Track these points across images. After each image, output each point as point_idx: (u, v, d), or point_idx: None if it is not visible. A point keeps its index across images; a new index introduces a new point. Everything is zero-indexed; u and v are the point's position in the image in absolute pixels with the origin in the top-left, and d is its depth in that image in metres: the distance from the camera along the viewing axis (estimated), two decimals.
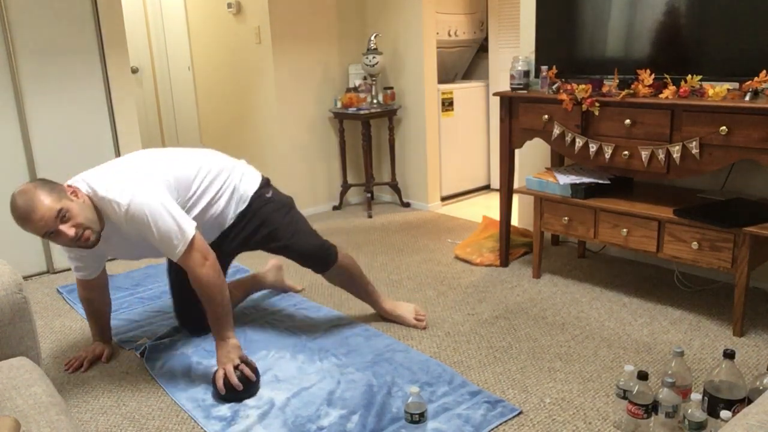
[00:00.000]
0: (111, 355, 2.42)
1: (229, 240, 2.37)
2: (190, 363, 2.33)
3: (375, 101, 4.26)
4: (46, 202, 1.90)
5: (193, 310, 2.43)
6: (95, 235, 2.01)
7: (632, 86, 2.57)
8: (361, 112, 4.13)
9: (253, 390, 2.08)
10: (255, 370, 2.12)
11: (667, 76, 2.50)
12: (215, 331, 2.14)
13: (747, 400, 1.72)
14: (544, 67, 2.89)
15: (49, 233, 1.93)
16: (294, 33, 4.14)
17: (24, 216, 1.89)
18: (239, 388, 2.03)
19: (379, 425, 1.89)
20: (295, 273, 3.19)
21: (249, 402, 2.05)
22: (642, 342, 2.37)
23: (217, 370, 2.09)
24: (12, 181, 3.20)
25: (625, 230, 2.60)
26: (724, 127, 2.28)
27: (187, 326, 2.55)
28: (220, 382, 2.04)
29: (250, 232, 2.36)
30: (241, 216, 2.35)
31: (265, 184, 2.44)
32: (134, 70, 5.36)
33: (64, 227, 1.92)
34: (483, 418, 1.92)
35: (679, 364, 1.84)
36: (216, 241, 2.35)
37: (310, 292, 2.98)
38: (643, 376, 1.74)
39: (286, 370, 2.24)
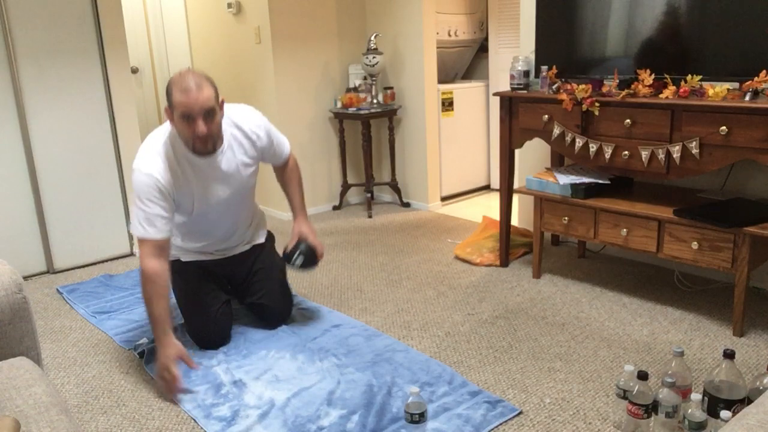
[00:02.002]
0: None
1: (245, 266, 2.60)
2: None
3: (375, 101, 4.26)
4: (209, 92, 2.10)
5: (223, 328, 2.45)
6: (214, 143, 2.21)
7: (632, 86, 2.57)
8: (361, 112, 4.13)
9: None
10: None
11: (667, 76, 2.50)
12: (303, 206, 2.62)
13: (747, 400, 1.72)
14: (544, 67, 2.89)
15: (191, 117, 2.08)
16: (294, 33, 4.14)
17: (188, 88, 2.06)
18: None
19: (379, 425, 1.89)
20: (295, 274, 3.19)
21: (249, 402, 2.05)
22: (642, 342, 2.37)
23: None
24: (12, 181, 3.20)
25: (625, 230, 2.60)
26: (724, 127, 2.28)
27: (209, 345, 2.43)
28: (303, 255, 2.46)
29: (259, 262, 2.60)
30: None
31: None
32: (134, 70, 5.36)
33: (207, 123, 2.11)
34: (483, 418, 1.92)
35: (679, 364, 1.84)
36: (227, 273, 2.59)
37: (311, 293, 2.98)
38: (643, 376, 1.74)
39: (286, 370, 2.24)
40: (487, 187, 4.93)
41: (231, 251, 2.55)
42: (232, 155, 2.31)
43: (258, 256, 2.59)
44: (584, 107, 2.64)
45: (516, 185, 3.19)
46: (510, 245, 3.24)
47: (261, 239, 2.64)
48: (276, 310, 2.56)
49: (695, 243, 2.40)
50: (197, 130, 2.10)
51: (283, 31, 4.08)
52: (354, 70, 4.40)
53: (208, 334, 2.42)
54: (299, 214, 2.60)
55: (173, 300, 2.44)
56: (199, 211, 2.33)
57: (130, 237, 3.61)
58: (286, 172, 2.65)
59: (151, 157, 2.18)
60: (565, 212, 2.81)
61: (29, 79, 3.17)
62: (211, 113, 2.11)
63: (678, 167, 2.45)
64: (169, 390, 2.09)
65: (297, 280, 3.11)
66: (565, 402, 2.01)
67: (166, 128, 2.25)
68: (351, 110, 4.17)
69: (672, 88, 2.45)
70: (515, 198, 3.38)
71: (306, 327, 2.58)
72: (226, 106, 2.33)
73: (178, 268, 2.43)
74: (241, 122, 2.34)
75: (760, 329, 2.43)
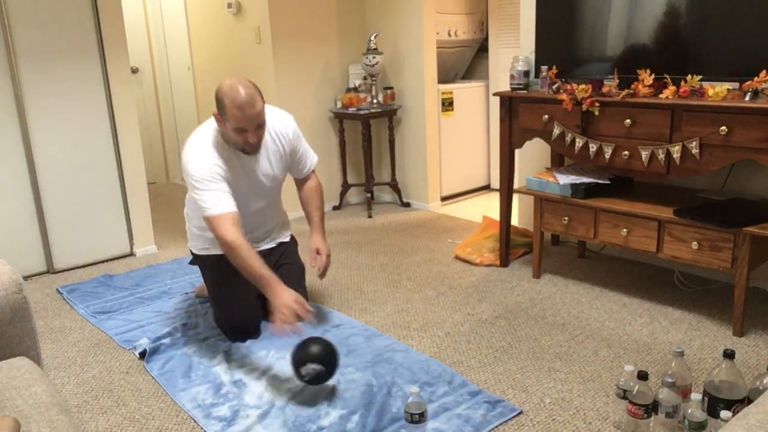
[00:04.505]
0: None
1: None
2: (191, 363, 2.33)
3: (375, 101, 4.26)
4: (260, 106, 2.25)
5: (258, 319, 2.55)
6: (260, 145, 2.39)
7: (632, 86, 2.57)
8: (361, 112, 4.13)
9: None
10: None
11: (667, 76, 2.50)
12: (322, 224, 2.65)
13: (747, 400, 1.72)
14: (544, 67, 2.89)
15: (244, 129, 2.23)
16: (294, 33, 4.14)
17: (243, 105, 2.18)
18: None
19: (379, 425, 1.89)
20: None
21: (249, 402, 2.05)
22: (642, 342, 2.37)
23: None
24: (12, 181, 3.20)
25: (625, 230, 2.60)
26: (724, 127, 2.28)
27: (242, 334, 2.51)
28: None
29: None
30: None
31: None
32: (134, 70, 5.36)
33: (258, 132, 2.28)
34: (483, 418, 1.92)
35: (679, 364, 1.84)
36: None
37: (311, 293, 2.98)
38: (643, 376, 1.74)
39: (287, 370, 2.24)
40: (487, 187, 4.93)
41: (259, 245, 2.63)
42: (265, 151, 2.48)
43: (282, 254, 2.70)
44: (584, 107, 2.64)
45: (516, 185, 3.19)
46: (510, 245, 3.24)
47: (285, 238, 2.76)
48: None
49: (695, 243, 2.40)
50: (250, 140, 2.28)
51: (283, 31, 4.08)
52: (354, 70, 4.40)
53: (243, 322, 2.52)
54: (317, 231, 2.66)
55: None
56: (239, 199, 2.43)
57: (130, 237, 3.61)
58: (307, 190, 2.71)
59: (204, 147, 2.33)
60: (565, 212, 2.81)
61: (29, 79, 3.17)
62: (262, 125, 2.30)
63: (678, 167, 2.45)
64: (294, 318, 2.11)
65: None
66: (565, 402, 2.01)
67: (211, 125, 2.38)
68: (351, 110, 4.17)
69: (672, 88, 2.45)
70: (515, 198, 3.38)
71: (306, 327, 2.58)
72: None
73: (212, 261, 2.54)
74: (277, 123, 2.50)
75: (760, 329, 2.43)
